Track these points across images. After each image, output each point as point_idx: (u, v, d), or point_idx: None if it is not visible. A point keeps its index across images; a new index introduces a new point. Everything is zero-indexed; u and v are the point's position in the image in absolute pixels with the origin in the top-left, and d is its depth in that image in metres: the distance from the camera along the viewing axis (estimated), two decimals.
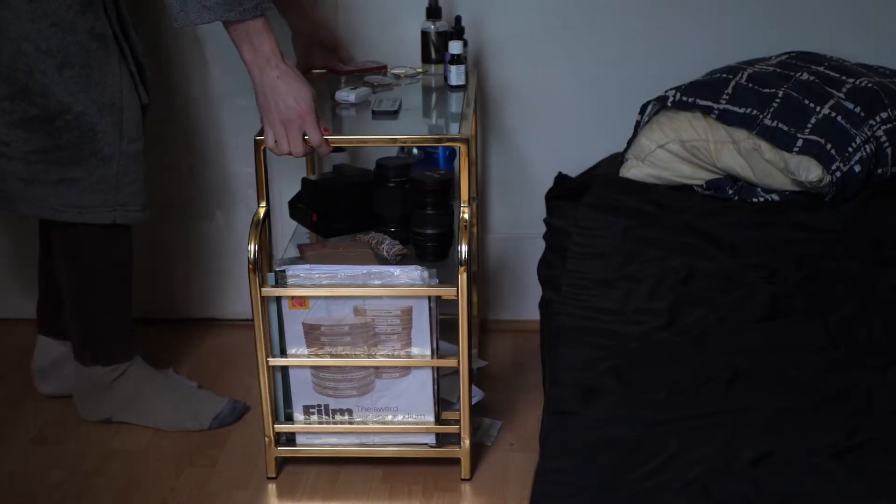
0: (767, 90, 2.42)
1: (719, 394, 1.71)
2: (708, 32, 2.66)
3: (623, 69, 2.70)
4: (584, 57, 2.71)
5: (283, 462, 2.33)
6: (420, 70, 2.53)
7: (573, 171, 2.66)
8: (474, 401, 2.36)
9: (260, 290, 2.15)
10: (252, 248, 2.12)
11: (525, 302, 2.87)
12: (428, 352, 2.20)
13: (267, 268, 2.21)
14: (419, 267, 2.15)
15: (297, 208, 2.42)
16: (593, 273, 2.14)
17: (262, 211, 2.18)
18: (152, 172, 2.78)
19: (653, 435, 1.60)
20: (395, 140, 2.24)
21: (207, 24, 2.03)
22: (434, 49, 2.50)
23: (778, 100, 2.40)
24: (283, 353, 2.22)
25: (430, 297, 2.15)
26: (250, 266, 2.11)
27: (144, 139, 2.33)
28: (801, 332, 1.89)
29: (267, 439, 2.27)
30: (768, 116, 2.38)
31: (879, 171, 2.40)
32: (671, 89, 2.49)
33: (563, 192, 2.57)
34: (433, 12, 2.49)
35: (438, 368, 2.23)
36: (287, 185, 2.62)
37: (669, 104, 2.48)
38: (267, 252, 2.23)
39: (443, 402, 2.29)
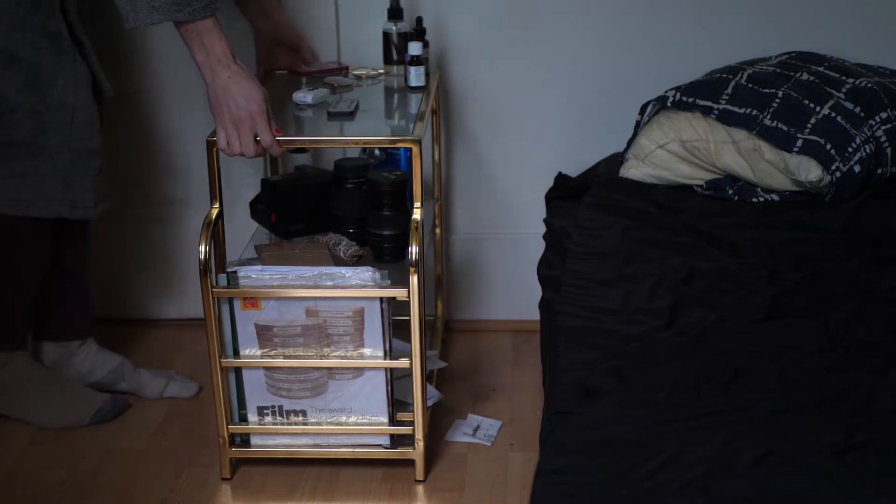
0: (767, 90, 2.42)
1: (719, 394, 1.71)
2: (708, 32, 2.66)
3: (623, 69, 2.70)
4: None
5: (237, 463, 2.33)
6: (382, 71, 2.53)
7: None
8: (430, 402, 2.36)
9: (211, 291, 2.14)
10: (203, 248, 2.11)
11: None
12: (381, 353, 2.19)
13: (223, 269, 2.21)
14: (370, 268, 2.15)
15: (257, 209, 2.42)
16: (593, 273, 2.14)
17: (214, 212, 2.17)
18: (153, 173, 2.80)
19: (653, 435, 1.60)
20: (346, 141, 2.24)
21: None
22: (395, 50, 2.50)
23: (778, 100, 2.40)
24: (237, 354, 2.22)
25: (381, 299, 2.15)
26: (201, 267, 2.11)
27: (101, 136, 2.34)
28: (801, 332, 1.89)
29: (221, 440, 2.26)
30: (768, 116, 2.38)
31: (879, 171, 2.40)
32: (671, 89, 2.50)
33: (563, 192, 2.57)
34: (395, 13, 2.49)
35: (394, 369, 2.23)
36: None
37: (669, 104, 2.49)
38: (222, 252, 2.22)
39: (400, 404, 2.28)
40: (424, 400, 2.23)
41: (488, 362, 2.76)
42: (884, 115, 2.39)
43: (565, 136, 2.76)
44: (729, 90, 2.44)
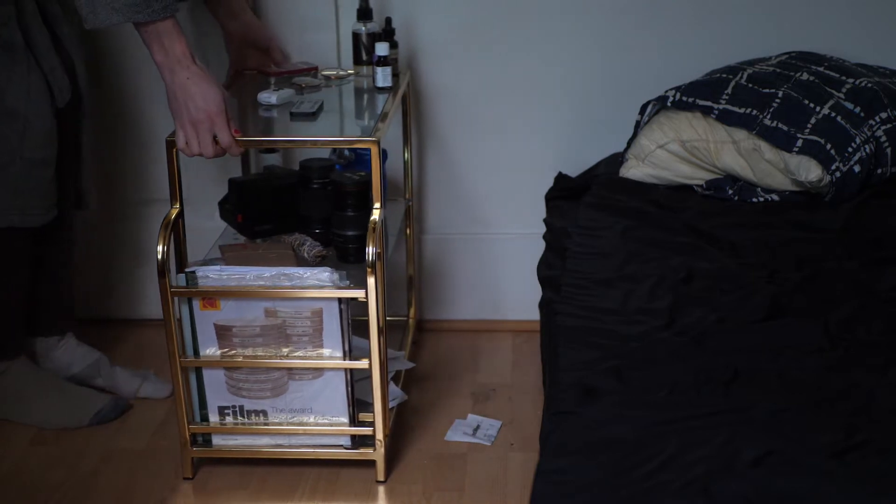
0: (767, 90, 2.42)
1: (719, 394, 1.71)
2: (708, 32, 2.66)
3: (623, 69, 2.70)
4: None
5: (199, 462, 2.32)
6: (352, 72, 2.53)
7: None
8: (394, 403, 2.35)
9: (169, 291, 2.14)
10: (161, 248, 2.11)
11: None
12: (340, 353, 2.19)
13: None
14: (328, 269, 2.14)
15: (225, 209, 2.43)
16: (593, 273, 2.14)
17: (173, 212, 2.18)
18: (155, 173, 2.80)
19: (653, 435, 1.60)
20: (304, 141, 2.25)
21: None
22: (365, 51, 2.50)
23: (778, 100, 2.40)
24: (197, 354, 2.21)
25: (339, 300, 2.14)
26: (159, 267, 2.11)
27: (53, 146, 2.32)
28: (801, 332, 1.89)
29: (182, 440, 2.26)
30: (768, 116, 2.38)
31: (879, 171, 2.40)
32: (671, 89, 2.50)
33: (563, 192, 2.57)
34: (364, 13, 2.49)
35: (354, 370, 2.22)
36: None
37: (669, 104, 2.49)
38: (184, 252, 2.23)
39: (364, 404, 2.27)
40: (386, 401, 2.22)
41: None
42: (884, 115, 2.39)
43: (565, 136, 2.76)
44: (729, 90, 2.44)
